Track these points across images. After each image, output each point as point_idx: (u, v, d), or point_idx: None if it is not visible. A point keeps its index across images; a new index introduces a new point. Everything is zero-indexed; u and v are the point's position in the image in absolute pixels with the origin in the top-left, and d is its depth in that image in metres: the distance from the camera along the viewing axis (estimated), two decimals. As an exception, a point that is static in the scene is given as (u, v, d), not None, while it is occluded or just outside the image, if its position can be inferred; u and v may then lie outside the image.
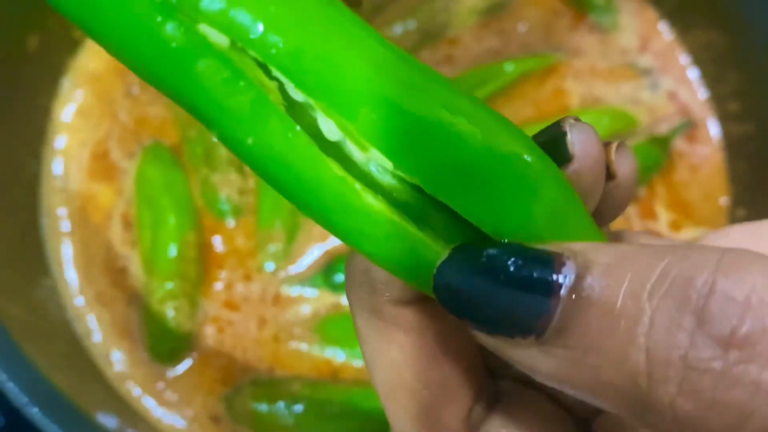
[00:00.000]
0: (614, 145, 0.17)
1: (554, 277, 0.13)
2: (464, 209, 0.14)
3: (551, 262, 0.14)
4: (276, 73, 0.14)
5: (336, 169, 0.14)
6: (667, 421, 0.13)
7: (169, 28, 0.13)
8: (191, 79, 0.13)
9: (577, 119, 0.16)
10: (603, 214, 0.17)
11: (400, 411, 0.17)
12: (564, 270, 0.13)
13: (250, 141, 0.14)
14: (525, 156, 0.15)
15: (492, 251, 0.14)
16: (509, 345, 0.14)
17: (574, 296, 0.13)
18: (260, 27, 0.13)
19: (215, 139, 0.40)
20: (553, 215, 0.15)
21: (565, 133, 0.16)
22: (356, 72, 0.14)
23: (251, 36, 0.13)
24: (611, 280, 0.13)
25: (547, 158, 0.15)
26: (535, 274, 0.14)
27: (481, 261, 0.14)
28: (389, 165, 0.14)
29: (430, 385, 0.17)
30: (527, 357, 0.14)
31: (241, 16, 0.13)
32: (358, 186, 0.14)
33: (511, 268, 0.14)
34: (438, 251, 0.15)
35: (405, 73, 0.14)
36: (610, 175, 0.17)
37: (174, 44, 0.13)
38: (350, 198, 0.14)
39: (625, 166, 0.17)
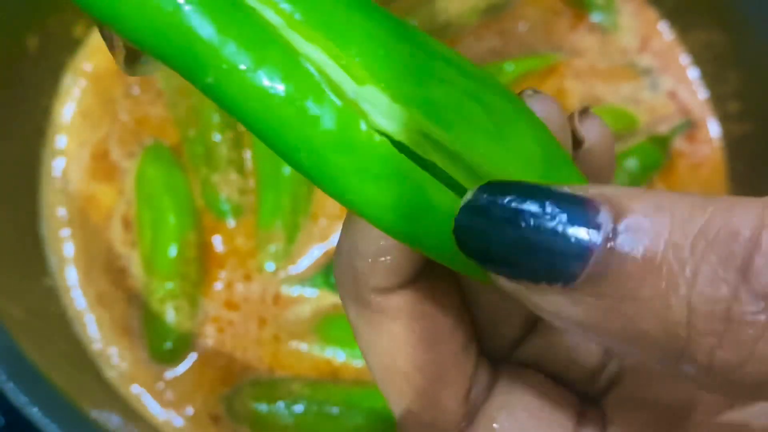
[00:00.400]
0: (576, 112, 0.17)
1: (588, 223, 0.13)
2: (462, 143, 0.14)
3: (585, 206, 0.13)
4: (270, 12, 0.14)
5: (339, 100, 0.14)
6: (702, 370, 0.13)
7: None
8: (185, 17, 0.13)
9: (536, 90, 0.16)
10: None
11: (398, 396, 0.17)
12: (599, 217, 0.13)
13: (243, 67, 0.13)
14: (510, 95, 0.15)
15: (521, 191, 0.13)
16: (532, 291, 0.13)
17: (609, 244, 0.13)
18: None
19: (215, 137, 0.39)
20: (548, 155, 0.14)
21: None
22: (351, 5, 0.14)
23: None
24: (651, 229, 0.13)
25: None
26: (567, 220, 0.13)
27: (509, 203, 0.13)
28: (384, 103, 0.14)
29: (424, 369, 0.17)
30: (551, 303, 0.13)
31: None
32: (362, 123, 0.14)
33: (541, 211, 0.13)
34: (449, 193, 0.14)
35: (391, 17, 0.14)
36: (577, 142, 0.17)
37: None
38: (354, 130, 0.14)
39: (592, 130, 0.17)
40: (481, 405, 0.17)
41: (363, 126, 0.14)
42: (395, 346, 0.16)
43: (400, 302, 0.16)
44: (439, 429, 0.17)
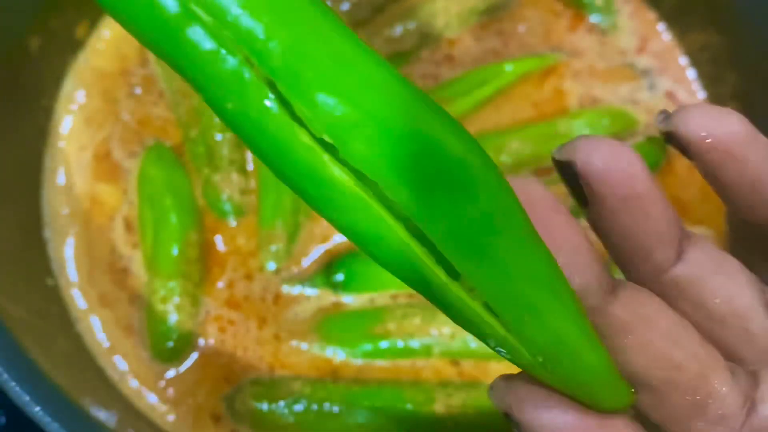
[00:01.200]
0: (659, 118, 0.17)
1: None
2: (399, 199, 0.15)
3: None
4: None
5: (305, 138, 0.14)
6: None
7: None
8: (181, 46, 0.14)
9: (560, 147, 0.17)
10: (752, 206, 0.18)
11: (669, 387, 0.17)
12: None
13: (230, 106, 0.14)
14: (467, 156, 0.15)
15: None
16: None
17: None
18: (237, 10, 0.14)
19: (216, 138, 0.39)
20: (487, 222, 0.15)
21: (555, 160, 0.17)
22: (316, 64, 0.14)
23: (228, 18, 0.14)
24: None
25: (489, 162, 0.15)
26: None
27: None
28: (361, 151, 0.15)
29: (686, 361, 0.17)
30: None
31: None
32: (325, 157, 0.15)
33: None
34: (397, 229, 0.15)
35: (361, 68, 0.15)
36: (685, 151, 0.17)
37: (168, 13, 0.14)
38: (318, 166, 0.15)
39: (686, 118, 0.17)
40: (754, 392, 0.17)
41: (329, 164, 0.15)
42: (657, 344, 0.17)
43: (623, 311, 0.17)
44: (715, 417, 0.17)
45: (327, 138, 0.14)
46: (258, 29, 0.14)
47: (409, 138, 0.15)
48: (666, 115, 0.17)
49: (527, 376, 0.17)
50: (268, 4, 0.14)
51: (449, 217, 0.15)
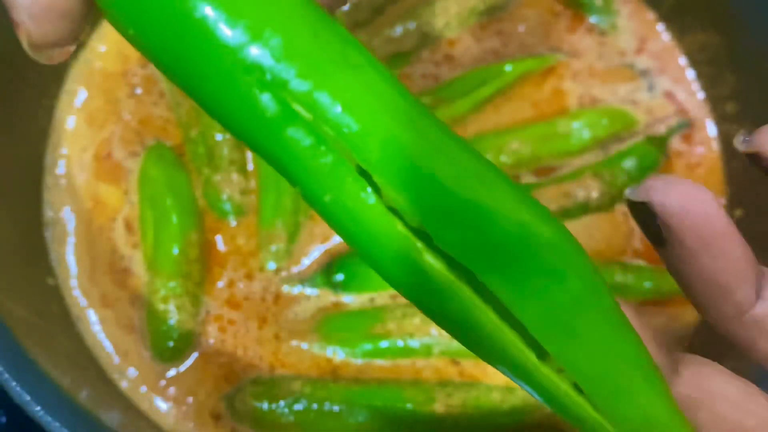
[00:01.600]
0: (739, 140, 0.17)
1: None
2: (492, 285, 0.15)
3: None
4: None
5: (400, 227, 0.15)
6: None
7: (265, 98, 0.15)
8: (280, 143, 0.15)
9: (633, 188, 0.17)
10: None
11: None
12: None
13: (327, 198, 0.15)
14: (556, 240, 0.15)
15: None
16: None
17: None
18: (338, 108, 0.15)
19: (217, 138, 0.39)
20: (577, 304, 0.15)
21: (629, 201, 0.17)
22: (411, 157, 0.15)
23: (329, 115, 0.15)
24: None
25: (577, 245, 0.16)
26: None
27: None
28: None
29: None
30: None
31: (323, 98, 0.15)
32: (419, 245, 0.15)
33: None
34: (488, 313, 0.15)
35: (454, 157, 0.15)
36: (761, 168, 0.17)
37: (268, 113, 0.15)
38: (412, 254, 0.15)
39: None
40: None
41: (423, 252, 0.15)
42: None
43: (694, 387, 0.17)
44: None
45: (421, 227, 0.15)
46: (357, 125, 0.15)
47: (501, 226, 0.15)
48: (746, 137, 0.17)
49: None
50: (367, 101, 0.15)
51: (540, 300, 0.15)
